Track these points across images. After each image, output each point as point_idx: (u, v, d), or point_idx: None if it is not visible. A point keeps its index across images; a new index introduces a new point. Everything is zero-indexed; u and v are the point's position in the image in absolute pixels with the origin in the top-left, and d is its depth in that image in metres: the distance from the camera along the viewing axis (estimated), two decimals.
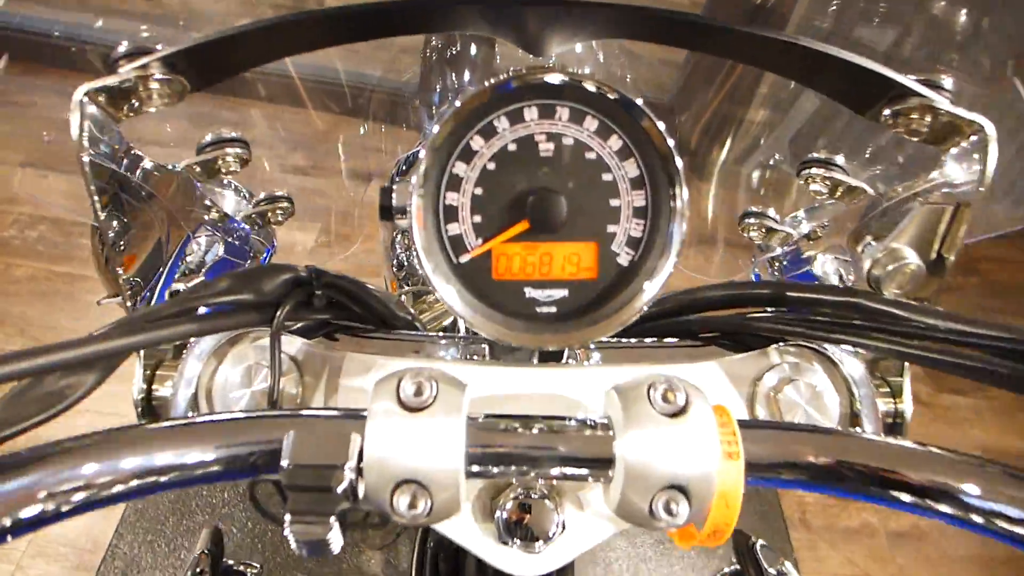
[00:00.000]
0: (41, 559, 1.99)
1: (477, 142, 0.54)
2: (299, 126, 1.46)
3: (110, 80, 0.54)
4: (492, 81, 0.51)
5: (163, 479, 0.43)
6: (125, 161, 0.61)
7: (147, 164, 0.67)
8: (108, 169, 0.59)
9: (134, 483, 0.42)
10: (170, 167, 0.72)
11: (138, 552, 2.00)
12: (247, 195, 0.95)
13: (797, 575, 0.80)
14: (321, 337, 0.65)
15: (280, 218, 0.91)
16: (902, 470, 0.46)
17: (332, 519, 0.44)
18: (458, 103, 0.52)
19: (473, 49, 1.04)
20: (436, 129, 0.52)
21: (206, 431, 0.46)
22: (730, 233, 1.22)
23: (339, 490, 0.44)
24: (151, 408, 0.65)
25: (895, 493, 0.46)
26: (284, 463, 0.44)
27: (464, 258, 0.56)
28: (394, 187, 0.52)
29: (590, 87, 0.52)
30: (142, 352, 0.63)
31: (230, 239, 0.87)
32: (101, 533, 2.01)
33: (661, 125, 0.52)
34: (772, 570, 0.82)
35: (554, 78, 0.52)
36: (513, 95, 0.53)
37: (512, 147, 0.55)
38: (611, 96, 0.53)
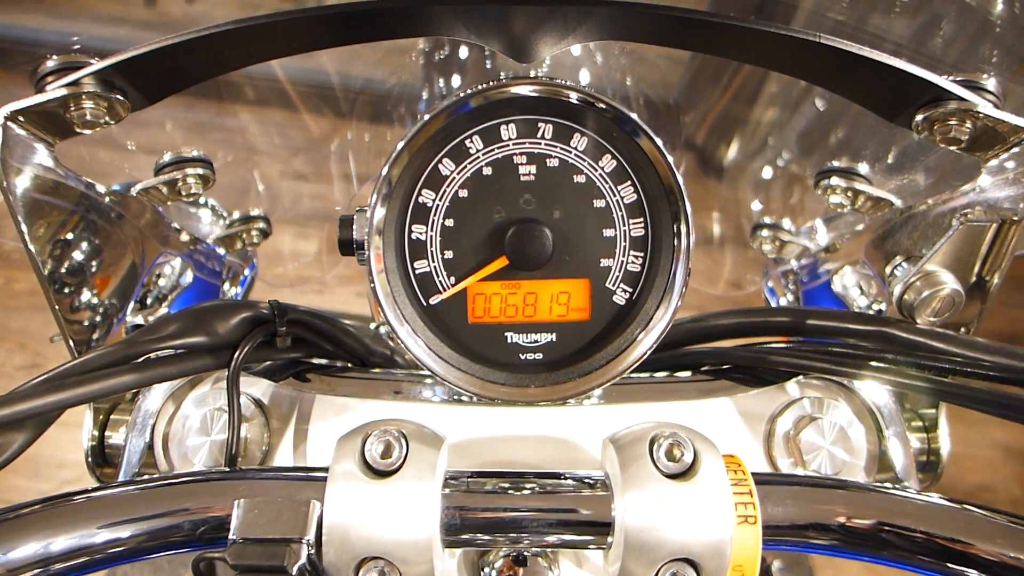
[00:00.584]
0: None
1: (446, 166, 0.47)
2: (295, 132, 1.41)
3: (36, 100, 0.48)
4: (449, 101, 0.44)
5: (64, 565, 0.37)
6: (64, 187, 0.55)
7: (99, 189, 0.61)
8: (48, 197, 0.54)
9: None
10: (129, 192, 0.66)
11: (139, 570, 1.96)
12: (225, 213, 0.89)
13: None
14: (291, 377, 0.59)
15: (256, 239, 0.85)
16: (966, 539, 0.40)
17: None
18: (427, 118, 0.45)
19: (463, 52, 0.98)
20: (398, 150, 0.45)
21: (132, 501, 0.40)
22: (739, 236, 1.16)
23: (294, 570, 0.38)
24: (104, 458, 0.60)
25: (955, 566, 0.40)
26: (232, 537, 0.39)
27: (435, 300, 0.50)
28: (355, 217, 0.46)
29: (573, 99, 0.45)
30: None
31: (203, 263, 0.81)
32: None
33: (660, 142, 0.45)
34: None
35: (527, 89, 0.44)
36: (484, 112, 0.46)
37: (487, 171, 0.48)
38: (601, 108, 0.46)
